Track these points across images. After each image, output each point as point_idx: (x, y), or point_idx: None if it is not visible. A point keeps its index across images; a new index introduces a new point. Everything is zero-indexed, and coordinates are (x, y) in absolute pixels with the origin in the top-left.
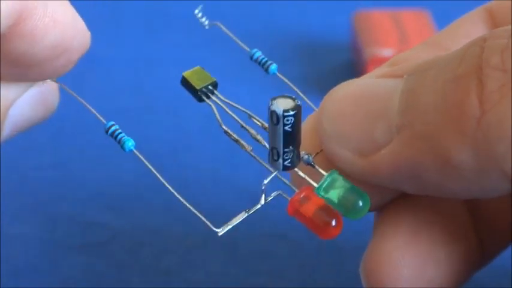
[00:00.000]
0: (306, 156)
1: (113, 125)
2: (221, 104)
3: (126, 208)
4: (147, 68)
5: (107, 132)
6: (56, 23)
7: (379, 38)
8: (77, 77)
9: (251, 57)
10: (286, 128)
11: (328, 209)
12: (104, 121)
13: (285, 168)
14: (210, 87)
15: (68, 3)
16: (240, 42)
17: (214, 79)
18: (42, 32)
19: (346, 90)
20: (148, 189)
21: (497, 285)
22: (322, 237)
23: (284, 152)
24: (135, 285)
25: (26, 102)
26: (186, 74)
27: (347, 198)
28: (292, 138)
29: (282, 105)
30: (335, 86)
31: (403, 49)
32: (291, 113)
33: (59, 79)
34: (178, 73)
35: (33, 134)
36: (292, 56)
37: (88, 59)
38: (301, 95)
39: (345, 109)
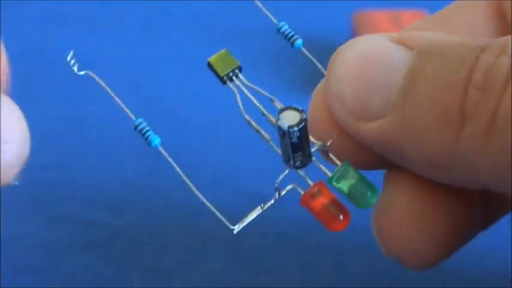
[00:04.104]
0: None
1: (141, 122)
2: (244, 89)
3: (127, 208)
4: (147, 68)
5: (135, 128)
6: None
7: None
8: (77, 77)
9: (278, 30)
10: (293, 140)
11: (337, 204)
12: (133, 117)
13: (296, 168)
14: (234, 71)
15: None
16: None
17: (239, 63)
18: None
19: (358, 51)
20: (149, 189)
21: (497, 285)
22: (329, 230)
23: (294, 156)
24: (136, 285)
25: None
26: (211, 59)
27: (356, 188)
28: (299, 147)
29: (287, 120)
30: None
31: None
32: (296, 129)
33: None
34: (178, 73)
35: (33, 134)
36: (292, 56)
37: (88, 59)
38: (324, 71)
39: (351, 71)
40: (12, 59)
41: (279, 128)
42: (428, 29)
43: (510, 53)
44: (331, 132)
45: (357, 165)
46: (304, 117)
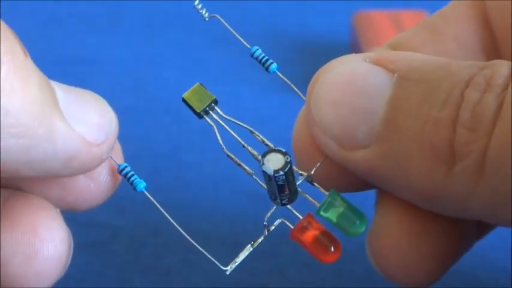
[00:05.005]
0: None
1: (126, 167)
2: (222, 123)
3: (127, 208)
4: (147, 68)
5: (120, 173)
6: None
7: (379, 38)
8: (78, 77)
9: (251, 55)
10: (279, 183)
11: (327, 235)
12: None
13: (283, 205)
14: (211, 105)
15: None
16: (239, 37)
17: (214, 97)
18: None
19: (337, 75)
20: (149, 189)
21: (497, 285)
22: (320, 262)
23: (280, 196)
24: (136, 284)
25: None
26: (186, 95)
27: (345, 217)
28: (285, 188)
29: (272, 164)
30: None
31: None
32: (281, 173)
33: None
34: (178, 73)
35: None
36: (292, 56)
37: (88, 59)
38: (301, 95)
39: (331, 97)
40: None
41: (264, 173)
42: (414, 41)
43: (496, 89)
44: (316, 157)
45: (344, 188)
46: (289, 159)
